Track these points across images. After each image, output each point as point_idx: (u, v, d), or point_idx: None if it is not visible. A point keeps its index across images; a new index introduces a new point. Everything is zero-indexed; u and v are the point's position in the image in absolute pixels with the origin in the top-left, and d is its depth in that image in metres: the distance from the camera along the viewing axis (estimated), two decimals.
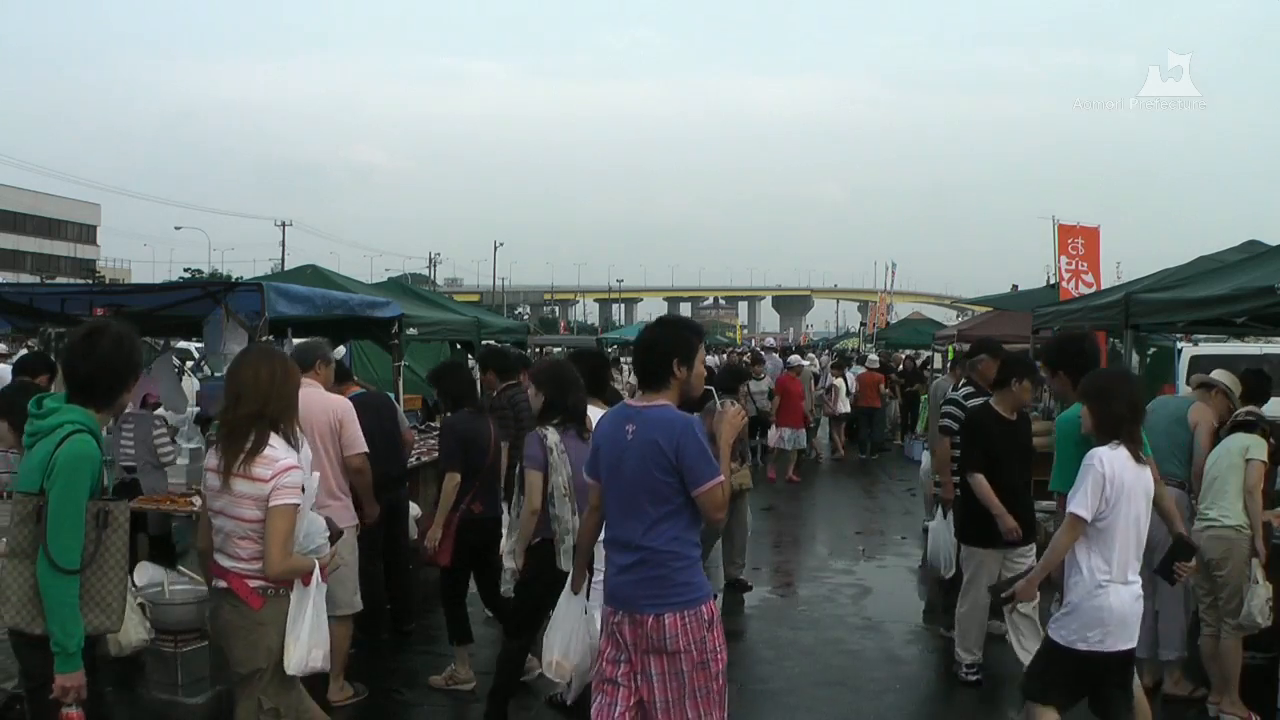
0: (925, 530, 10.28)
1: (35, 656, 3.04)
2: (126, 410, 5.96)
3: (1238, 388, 5.67)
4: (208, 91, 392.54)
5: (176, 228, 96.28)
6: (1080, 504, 3.73)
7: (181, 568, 6.02)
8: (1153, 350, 11.39)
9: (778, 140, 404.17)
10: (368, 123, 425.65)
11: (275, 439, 3.31)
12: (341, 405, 5.22)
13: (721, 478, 3.34)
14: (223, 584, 3.34)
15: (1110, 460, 3.73)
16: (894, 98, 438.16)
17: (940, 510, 6.75)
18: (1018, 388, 5.59)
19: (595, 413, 4.86)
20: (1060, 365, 4.81)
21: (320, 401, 5.09)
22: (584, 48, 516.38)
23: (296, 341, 5.98)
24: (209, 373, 14.69)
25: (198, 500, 6.38)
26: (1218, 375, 5.84)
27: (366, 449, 5.21)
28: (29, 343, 8.90)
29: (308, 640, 3.30)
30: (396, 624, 6.38)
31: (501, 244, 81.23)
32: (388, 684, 5.60)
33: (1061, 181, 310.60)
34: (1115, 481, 3.71)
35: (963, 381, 7.14)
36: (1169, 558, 4.26)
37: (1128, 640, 3.80)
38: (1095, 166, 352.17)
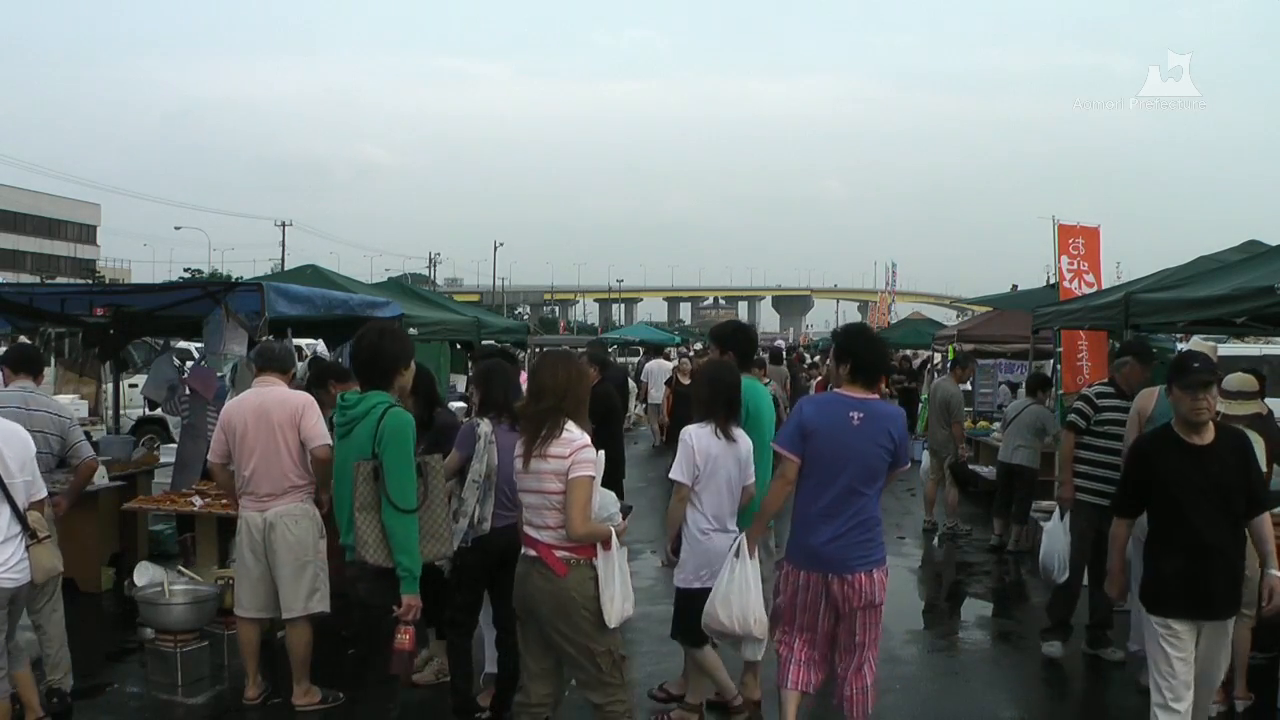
0: (925, 530, 10.32)
1: (385, 586, 3.76)
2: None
3: (1214, 354, 5.79)
4: (208, 90, 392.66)
5: (176, 228, 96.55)
6: (679, 473, 4.51)
7: (181, 568, 6.03)
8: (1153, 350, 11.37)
9: (778, 140, 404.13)
10: (368, 122, 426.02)
11: (571, 425, 3.78)
12: (301, 398, 5.15)
13: (909, 464, 4.46)
14: (532, 553, 3.78)
15: (698, 435, 4.51)
16: (894, 97, 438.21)
17: (1058, 512, 6.31)
18: (1177, 396, 4.11)
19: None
20: (727, 347, 5.11)
21: (279, 395, 5.08)
22: (585, 48, 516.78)
23: (265, 340, 5.97)
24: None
25: (198, 500, 6.41)
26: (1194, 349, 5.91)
27: (330, 440, 5.12)
28: (21, 339, 8.91)
29: (620, 595, 3.75)
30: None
31: (501, 244, 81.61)
32: (387, 682, 5.59)
33: (1061, 181, 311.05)
34: (703, 452, 4.48)
35: (1105, 381, 6.48)
36: None
37: None
38: (1095, 166, 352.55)
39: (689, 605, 4.59)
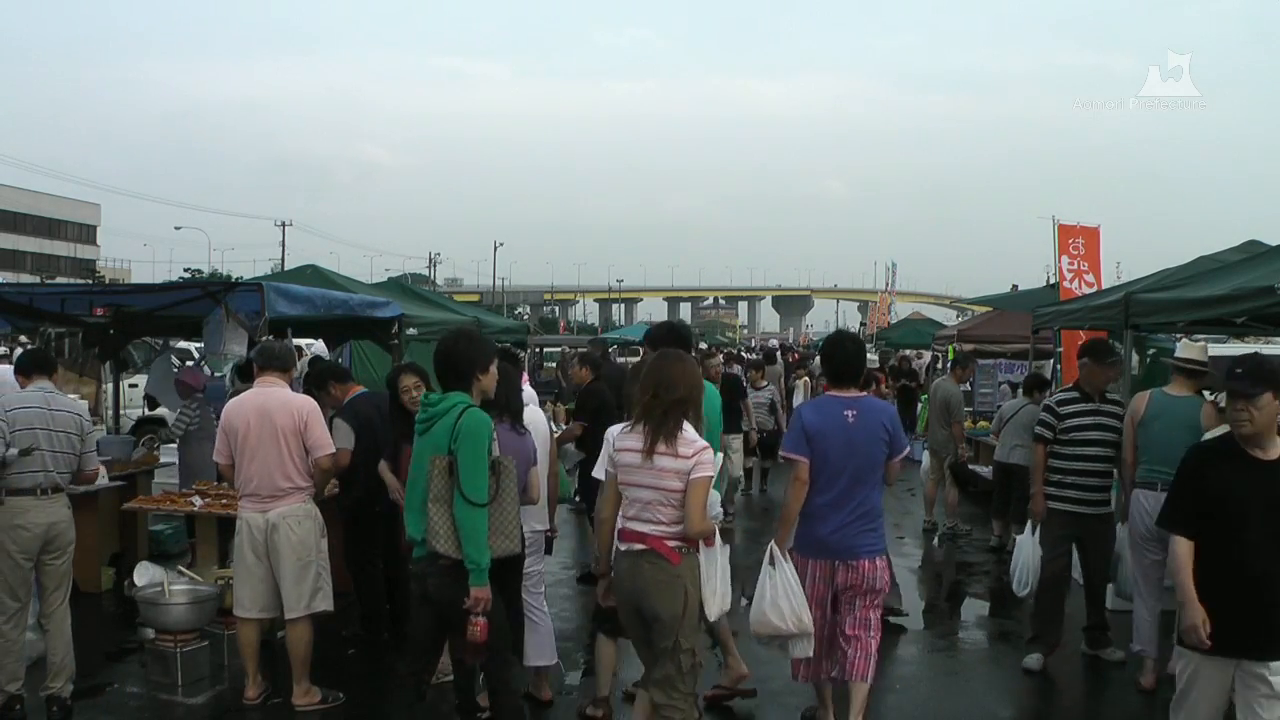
0: (925, 530, 10.32)
1: (452, 581, 3.88)
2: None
3: (1204, 353, 5.87)
4: (208, 91, 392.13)
5: (176, 228, 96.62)
6: (601, 470, 4.42)
7: (181, 568, 6.03)
8: (1152, 351, 11.37)
9: (778, 140, 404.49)
10: (368, 122, 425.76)
11: (687, 425, 3.93)
12: (306, 404, 5.18)
13: (908, 450, 4.85)
14: (640, 546, 3.89)
15: (616, 433, 4.36)
16: (894, 97, 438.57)
17: (1030, 525, 6.13)
18: (1226, 405, 3.86)
19: None
20: (660, 345, 5.17)
21: (281, 399, 5.11)
22: (585, 48, 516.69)
23: (265, 340, 5.98)
24: (209, 373, 14.67)
25: (197, 500, 6.41)
26: (1185, 351, 5.89)
27: (334, 449, 5.23)
28: (20, 338, 8.92)
29: (721, 589, 3.88)
30: (396, 624, 6.38)
31: (501, 244, 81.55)
32: (387, 683, 5.60)
33: (1061, 181, 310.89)
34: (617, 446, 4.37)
35: (1069, 386, 6.27)
36: None
37: None
38: (1095, 166, 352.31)
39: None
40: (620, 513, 4.00)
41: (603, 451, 4.49)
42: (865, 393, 4.67)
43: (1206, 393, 5.90)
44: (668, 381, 3.95)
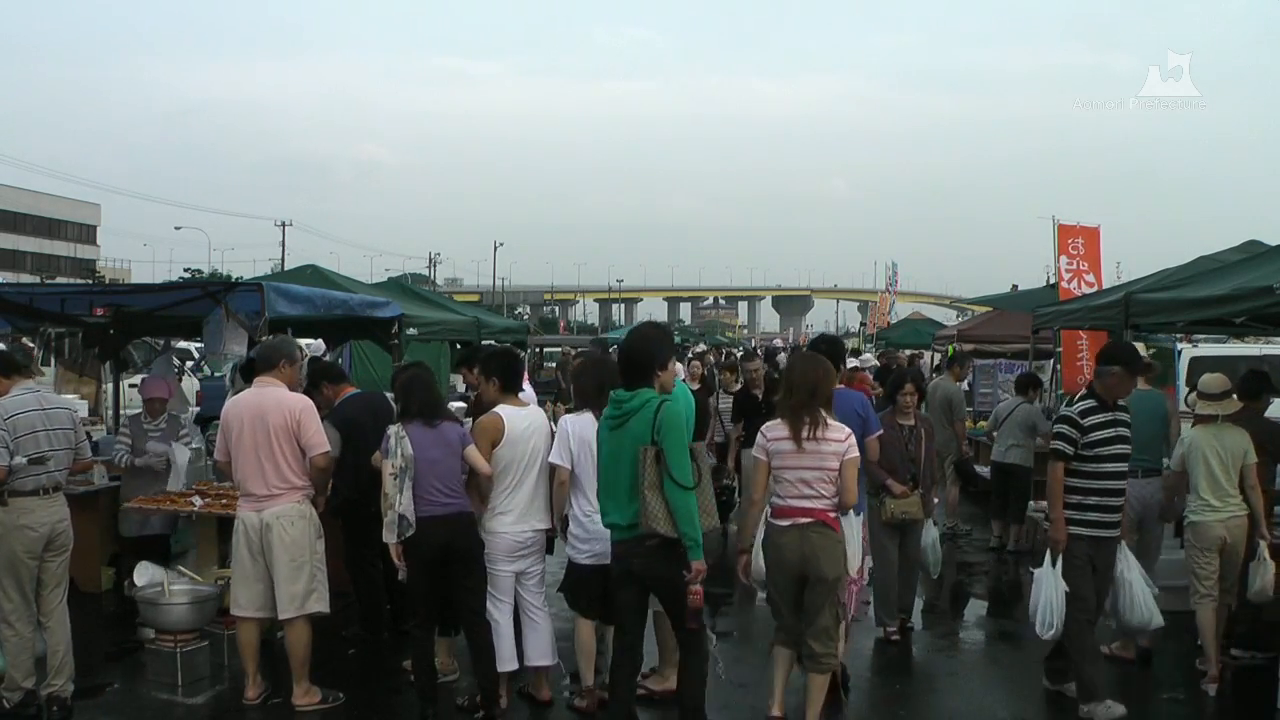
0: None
1: (672, 554, 4.27)
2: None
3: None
4: (208, 90, 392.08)
5: (176, 228, 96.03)
6: (556, 457, 4.96)
7: (181, 568, 6.03)
8: (1152, 351, 11.36)
9: (778, 140, 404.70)
10: (368, 122, 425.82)
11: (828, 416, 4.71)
12: (300, 404, 5.18)
13: (881, 430, 5.94)
14: (805, 520, 4.60)
15: (574, 422, 4.97)
16: (894, 97, 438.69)
17: (1049, 557, 5.26)
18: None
19: (509, 411, 5.10)
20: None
21: (276, 398, 5.11)
22: (585, 48, 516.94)
23: (265, 340, 5.98)
24: (209, 373, 14.67)
25: (198, 500, 6.41)
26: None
27: (329, 448, 5.23)
28: (23, 340, 8.90)
29: (859, 548, 4.75)
30: (396, 623, 6.37)
31: (501, 244, 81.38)
32: (387, 682, 5.60)
33: (1061, 181, 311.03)
34: (578, 437, 4.90)
35: (1083, 394, 5.54)
36: None
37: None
38: (1095, 166, 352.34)
39: (571, 574, 5.05)
40: (776, 494, 4.65)
41: (557, 439, 4.98)
42: (842, 384, 5.55)
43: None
44: (810, 380, 4.68)
